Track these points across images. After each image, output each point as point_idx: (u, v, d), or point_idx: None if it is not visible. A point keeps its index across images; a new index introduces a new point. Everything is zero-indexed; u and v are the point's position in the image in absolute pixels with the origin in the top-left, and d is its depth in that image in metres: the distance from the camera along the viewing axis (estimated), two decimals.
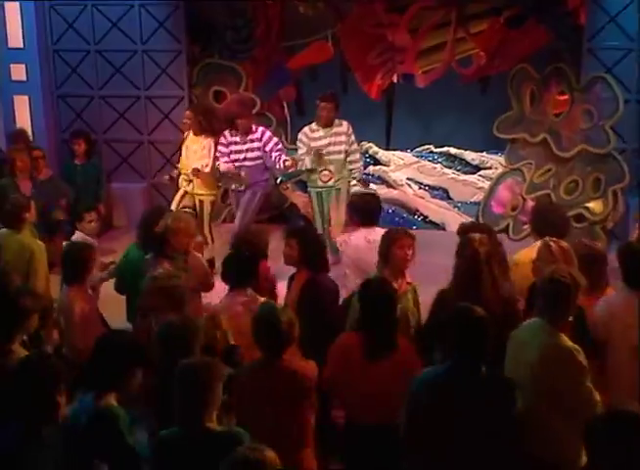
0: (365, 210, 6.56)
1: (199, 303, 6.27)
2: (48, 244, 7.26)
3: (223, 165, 8.74)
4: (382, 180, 11.21)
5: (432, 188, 11.14)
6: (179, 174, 9.05)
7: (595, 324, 5.10)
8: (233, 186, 8.98)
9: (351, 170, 8.98)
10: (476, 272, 5.20)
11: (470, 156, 11.31)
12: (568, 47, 9.71)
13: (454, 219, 10.22)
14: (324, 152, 8.74)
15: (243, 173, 8.71)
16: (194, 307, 5.65)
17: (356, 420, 4.96)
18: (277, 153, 8.69)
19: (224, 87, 10.44)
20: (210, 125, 8.90)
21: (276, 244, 6.66)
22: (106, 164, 10.34)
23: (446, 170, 11.23)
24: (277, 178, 9.15)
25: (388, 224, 10.17)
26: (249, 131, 8.75)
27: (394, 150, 11.51)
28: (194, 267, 6.31)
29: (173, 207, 8.80)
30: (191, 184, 8.90)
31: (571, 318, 4.62)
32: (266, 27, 10.53)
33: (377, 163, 11.42)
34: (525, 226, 9.27)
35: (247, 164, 8.78)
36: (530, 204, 9.48)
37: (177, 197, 9.04)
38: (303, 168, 8.88)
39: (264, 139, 8.74)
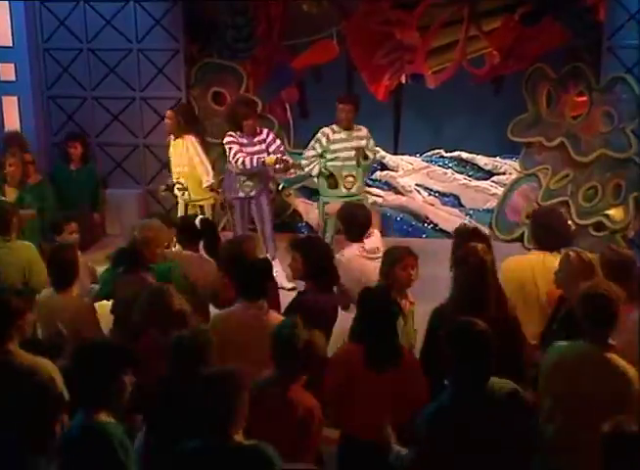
0: (353, 224, 6.50)
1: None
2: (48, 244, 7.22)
3: (247, 161, 8.50)
4: (389, 186, 11.16)
5: (442, 195, 11.03)
6: (174, 184, 9.09)
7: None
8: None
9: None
10: (482, 285, 5.03)
11: (482, 160, 11.27)
12: (586, 46, 9.63)
13: None
14: (347, 156, 8.74)
15: (286, 156, 8.61)
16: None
17: (355, 435, 4.88)
18: (279, 154, 8.64)
19: (224, 88, 10.32)
20: (189, 125, 9.04)
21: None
22: (99, 169, 10.24)
23: (457, 176, 11.17)
24: (279, 184, 9.21)
25: (397, 233, 10.15)
26: (255, 133, 8.71)
27: (403, 154, 11.51)
28: (207, 274, 6.31)
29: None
30: (185, 193, 8.95)
31: None
32: (268, 26, 10.41)
33: (384, 168, 11.39)
34: None
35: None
36: None
37: (180, 207, 9.10)
38: (314, 173, 8.80)
39: (269, 140, 8.75)
